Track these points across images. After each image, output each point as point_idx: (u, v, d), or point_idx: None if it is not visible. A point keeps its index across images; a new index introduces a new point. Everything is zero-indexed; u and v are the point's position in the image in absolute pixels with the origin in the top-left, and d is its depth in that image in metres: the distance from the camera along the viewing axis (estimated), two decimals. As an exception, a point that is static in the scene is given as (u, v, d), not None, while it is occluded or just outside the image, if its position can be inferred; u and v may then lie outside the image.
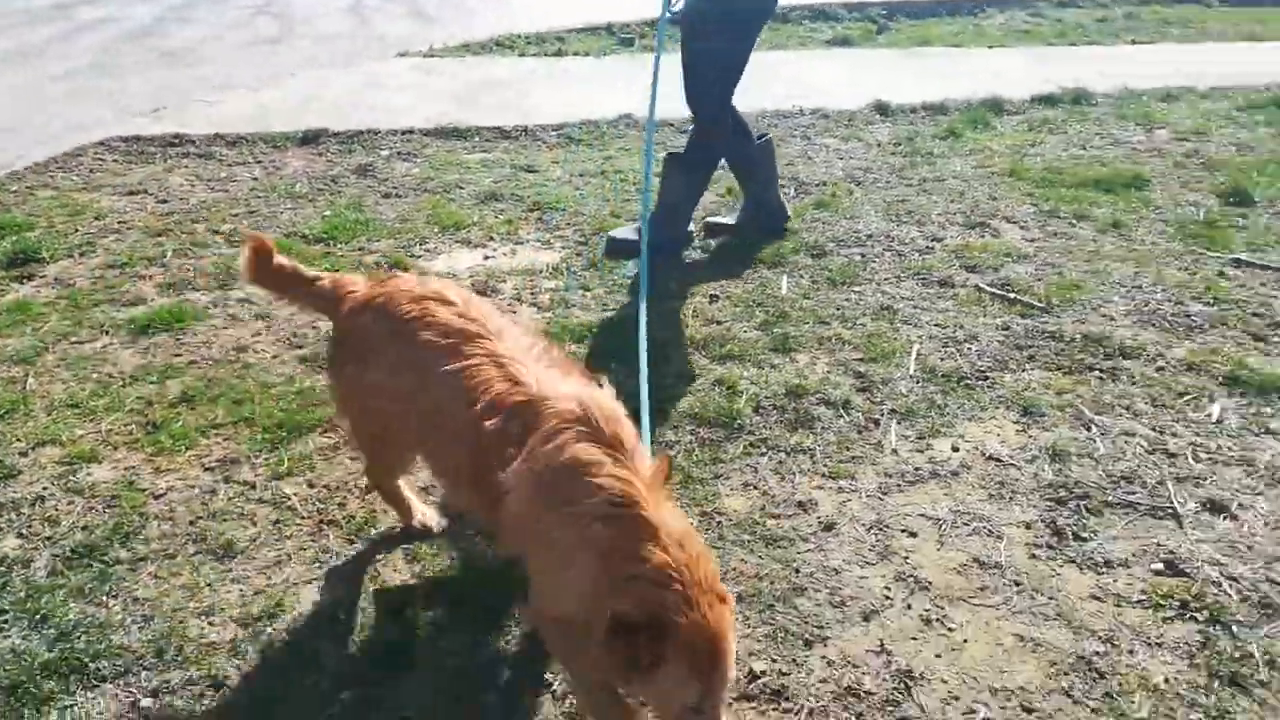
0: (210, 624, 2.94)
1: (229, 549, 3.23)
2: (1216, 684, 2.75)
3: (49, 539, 3.25)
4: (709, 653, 2.03)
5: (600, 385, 2.45)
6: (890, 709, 2.67)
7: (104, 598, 3.02)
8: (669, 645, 1.99)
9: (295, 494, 3.51)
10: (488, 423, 2.40)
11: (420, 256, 5.56)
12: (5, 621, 2.91)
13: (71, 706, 2.64)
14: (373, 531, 3.34)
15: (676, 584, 2.02)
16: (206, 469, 3.64)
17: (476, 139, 7.69)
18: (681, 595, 2.01)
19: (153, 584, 3.09)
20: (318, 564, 3.19)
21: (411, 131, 7.72)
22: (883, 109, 8.55)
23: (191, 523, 3.35)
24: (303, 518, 3.40)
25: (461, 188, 6.64)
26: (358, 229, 5.83)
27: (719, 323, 4.75)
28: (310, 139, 7.48)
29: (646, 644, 1.98)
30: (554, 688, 2.74)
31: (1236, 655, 2.84)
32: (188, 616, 2.96)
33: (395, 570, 3.17)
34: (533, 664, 2.81)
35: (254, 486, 3.55)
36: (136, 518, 3.35)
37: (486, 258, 5.56)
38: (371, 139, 7.55)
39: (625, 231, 5.56)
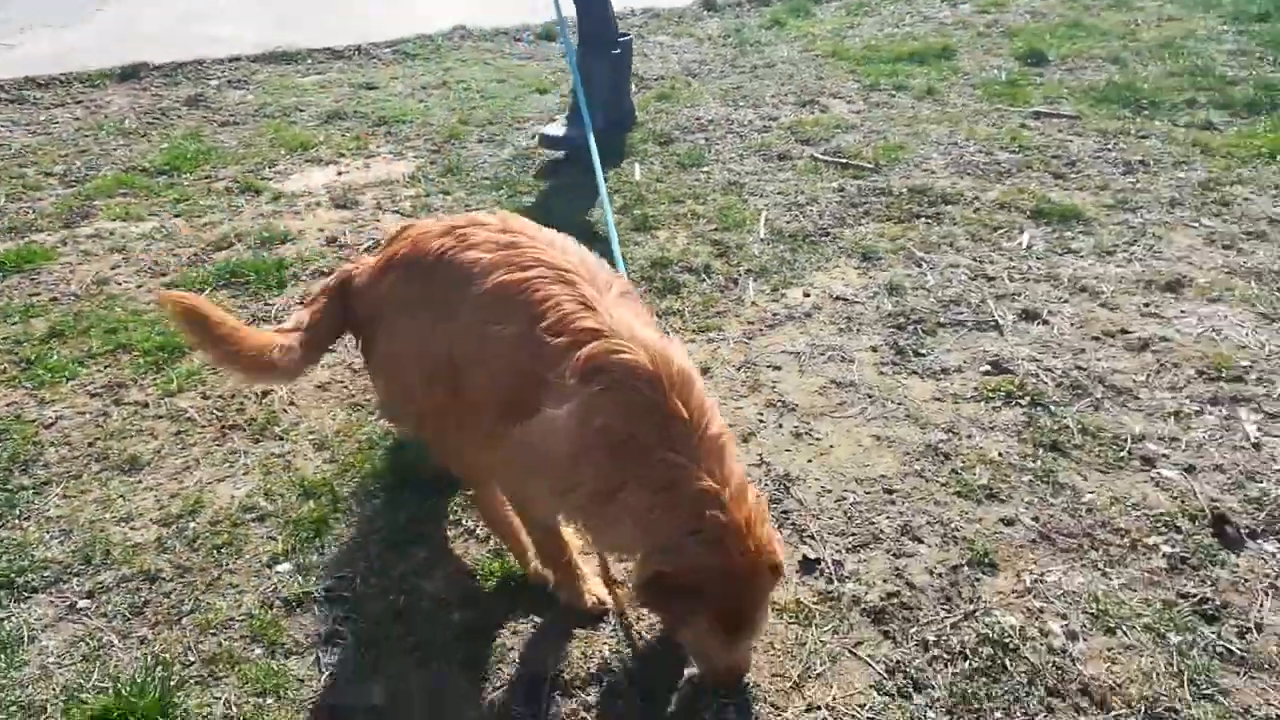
0: (132, 528, 3.04)
1: (135, 463, 3.31)
2: (1040, 451, 3.25)
3: (-57, 476, 3.24)
4: (738, 618, 2.15)
5: (669, 336, 2.31)
6: (774, 506, 3.05)
7: (16, 520, 3.07)
8: (699, 608, 2.10)
9: (191, 406, 3.59)
10: (552, 339, 2.15)
11: (272, 179, 5.52)
12: (-83, 554, 2.93)
13: (8, 619, 2.72)
14: (277, 429, 3.47)
15: (722, 551, 2.05)
16: (93, 395, 3.66)
17: (309, 61, 7.55)
18: (723, 563, 2.05)
19: (63, 503, 3.14)
20: (228, 464, 3.31)
21: (239, 59, 7.50)
22: (710, 4, 8.81)
23: (90, 444, 3.39)
24: (203, 426, 3.49)
25: (301, 110, 6.56)
26: (200, 158, 5.73)
27: (580, 211, 4.97)
28: (130, 74, 7.16)
29: (678, 603, 2.12)
30: (476, 532, 2.99)
31: (1055, 428, 3.35)
32: (107, 525, 3.05)
33: (307, 459, 3.33)
34: (451, 518, 3.05)
35: (147, 405, 3.60)
36: (31, 446, 3.37)
37: (340, 174, 5.57)
38: (197, 69, 7.30)
39: (554, 129, 5.55)
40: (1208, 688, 2.46)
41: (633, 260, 4.43)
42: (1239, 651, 2.55)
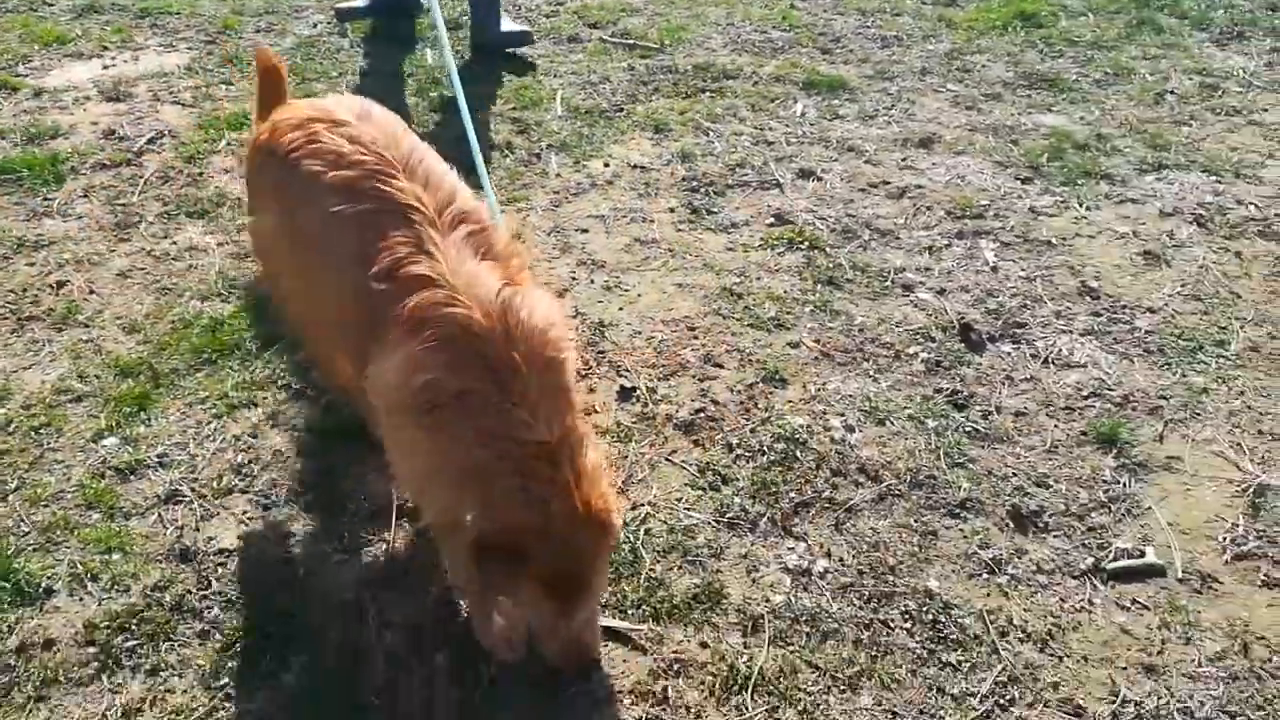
0: (-66, 420, 2.94)
1: (-76, 359, 3.16)
2: (819, 286, 3.67)
3: None
4: (566, 583, 1.95)
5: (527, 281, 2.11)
6: (591, 348, 3.31)
7: None
8: (521, 572, 1.92)
9: (-22, 301, 3.43)
10: (379, 285, 2.00)
11: (28, 75, 5.12)
12: None
13: None
14: (80, 317, 3.38)
15: (544, 508, 1.88)
16: None
17: (51, -49, 6.89)
18: (543, 521, 1.88)
19: None
20: (31, 353, 3.22)
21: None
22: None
23: None
24: (-4, 319, 3.35)
25: (50, 4, 6.04)
26: (-63, 55, 5.22)
27: (374, 96, 4.94)
28: None
29: (500, 568, 1.94)
30: (308, 393, 3.08)
31: (831, 266, 3.77)
32: (-96, 420, 2.92)
33: (118, 342, 3.28)
34: (281, 383, 3.13)
35: (-74, 304, 3.41)
36: None
37: (106, 67, 5.24)
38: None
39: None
40: (960, 458, 2.95)
41: (437, 141, 4.48)
42: (983, 430, 3.07)
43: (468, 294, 1.94)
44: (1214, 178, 4.37)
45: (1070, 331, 3.48)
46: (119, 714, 2.18)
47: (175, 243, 3.78)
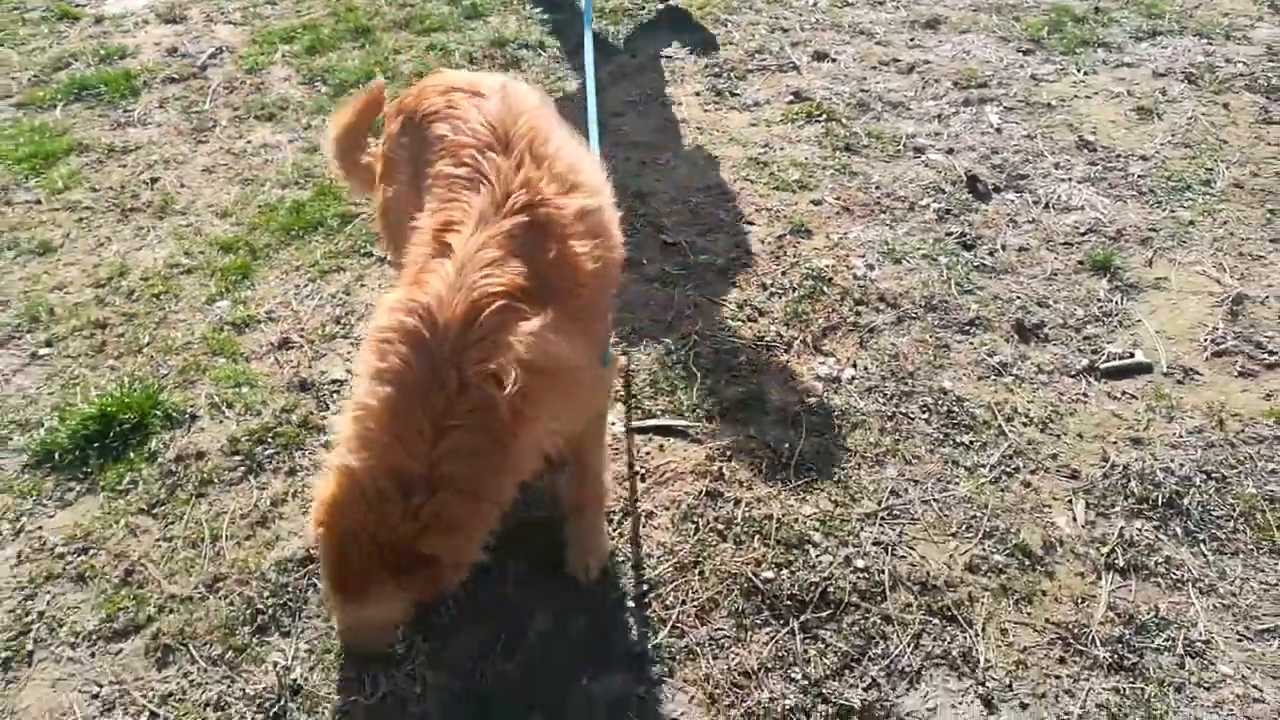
0: (67, 294, 3.35)
1: (48, 246, 3.57)
2: (837, 152, 4.01)
3: None
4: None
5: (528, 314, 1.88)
6: (633, 213, 3.67)
7: (-51, 302, 3.31)
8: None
9: (85, 199, 3.82)
10: (417, 243, 2.04)
11: (87, 4, 5.46)
12: None
13: (-25, 371, 3.04)
14: (176, 207, 3.77)
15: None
16: (-22, 200, 3.83)
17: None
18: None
19: (-12, 285, 3.40)
20: (139, 238, 3.63)
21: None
22: None
23: (-7, 237, 3.62)
24: (103, 212, 3.76)
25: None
26: (1, -10, 5.56)
27: (411, 5, 5.27)
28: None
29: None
30: (388, 257, 3.48)
31: (847, 135, 4.11)
32: (41, 294, 3.34)
33: (213, 225, 3.68)
34: (364, 250, 3.53)
35: (40, 202, 3.81)
36: (-64, 245, 3.56)
37: (158, -6, 5.57)
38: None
39: None
40: (969, 287, 3.33)
41: (473, 44, 4.82)
42: (989, 264, 3.43)
43: (439, 294, 1.84)
44: (1205, 40, 4.65)
45: (1069, 180, 3.82)
46: (267, 503, 2.62)
47: (249, 142, 4.16)
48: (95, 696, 2.22)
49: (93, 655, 2.30)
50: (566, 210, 2.01)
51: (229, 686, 2.22)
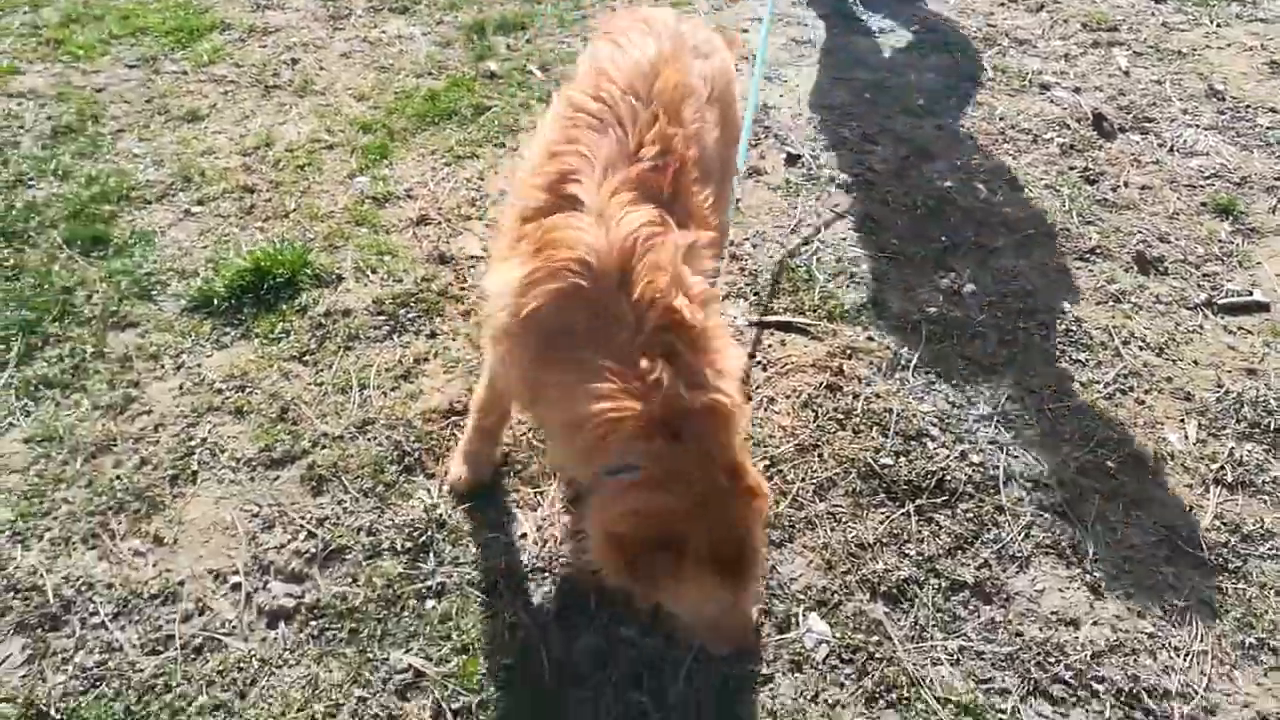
0: (215, 158, 3.52)
1: (195, 115, 3.74)
2: (963, 83, 4.03)
3: (22, 127, 3.60)
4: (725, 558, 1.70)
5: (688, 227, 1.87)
6: (757, 123, 3.74)
7: (107, 157, 3.49)
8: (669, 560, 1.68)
9: (228, 74, 3.98)
10: (535, 191, 1.91)
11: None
12: (30, 179, 3.35)
13: (135, 219, 3.22)
14: (316, 87, 3.92)
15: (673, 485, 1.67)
16: (130, 67, 4.00)
17: None
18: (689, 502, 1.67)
19: (142, 144, 3.57)
20: (281, 113, 3.78)
21: None
22: None
23: (147, 101, 3.79)
24: (247, 87, 3.91)
25: None
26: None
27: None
28: None
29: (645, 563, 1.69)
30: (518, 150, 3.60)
31: (973, 67, 4.12)
32: (192, 157, 3.51)
33: (352, 107, 3.82)
34: (497, 141, 3.64)
35: (186, 74, 3.98)
36: (93, 104, 3.74)
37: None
38: None
39: None
40: (1091, 218, 3.36)
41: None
42: (1111, 199, 3.45)
43: (595, 225, 1.76)
44: (1346, -1, 4.55)
45: (1195, 126, 3.80)
46: (411, 360, 2.77)
47: (384, 32, 4.28)
48: (255, 515, 2.41)
49: (252, 479, 2.48)
50: (699, 168, 2.00)
51: (379, 516, 2.39)
